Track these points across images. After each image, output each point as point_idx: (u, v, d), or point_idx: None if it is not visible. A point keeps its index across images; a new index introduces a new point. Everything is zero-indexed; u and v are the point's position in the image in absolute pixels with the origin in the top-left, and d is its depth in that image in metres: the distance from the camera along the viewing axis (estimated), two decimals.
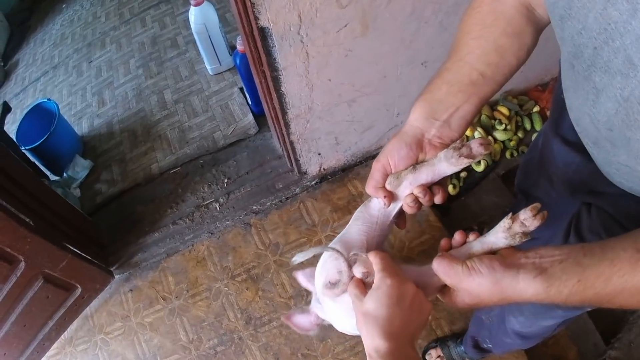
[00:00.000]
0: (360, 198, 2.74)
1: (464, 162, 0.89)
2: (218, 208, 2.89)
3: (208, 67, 3.61)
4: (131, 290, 2.81)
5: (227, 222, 2.84)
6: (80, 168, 3.38)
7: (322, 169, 2.80)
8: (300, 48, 1.94)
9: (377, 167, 0.96)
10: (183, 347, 2.58)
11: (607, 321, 2.40)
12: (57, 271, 2.49)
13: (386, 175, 0.96)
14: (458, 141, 0.92)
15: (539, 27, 0.93)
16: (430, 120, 0.93)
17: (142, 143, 3.45)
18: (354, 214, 1.05)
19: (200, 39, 3.31)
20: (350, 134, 2.61)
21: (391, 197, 0.96)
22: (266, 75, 2.11)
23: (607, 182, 0.96)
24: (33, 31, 5.31)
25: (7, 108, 3.04)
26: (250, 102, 3.29)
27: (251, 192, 2.90)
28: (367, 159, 2.89)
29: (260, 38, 1.85)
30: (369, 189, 0.98)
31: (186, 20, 4.16)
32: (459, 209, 2.74)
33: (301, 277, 1.20)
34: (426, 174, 0.93)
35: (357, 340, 2.38)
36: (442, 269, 0.84)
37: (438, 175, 0.93)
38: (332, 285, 0.96)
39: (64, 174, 3.36)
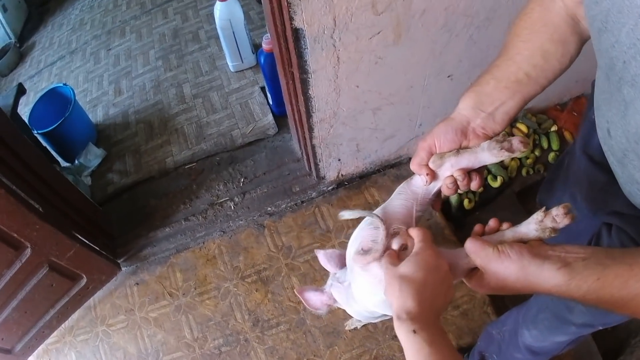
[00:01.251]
0: (376, 206, 2.71)
1: (504, 155, 0.96)
2: (232, 207, 2.89)
3: (230, 64, 3.62)
4: (137, 283, 2.81)
5: (240, 222, 2.84)
6: (92, 156, 3.39)
7: (340, 175, 2.81)
8: (332, 52, 1.95)
9: (423, 146, 1.03)
10: (187, 344, 2.58)
11: (610, 344, 2.41)
12: (63, 260, 2.48)
13: (430, 155, 1.02)
14: (501, 135, 1.00)
15: (582, 38, 0.98)
16: (476, 110, 1.00)
17: (158, 136, 3.45)
18: (397, 189, 1.12)
19: (224, 34, 3.32)
20: (372, 141, 2.62)
21: (433, 175, 1.03)
22: (294, 77, 2.12)
23: (629, 203, 1.00)
24: (51, 14, 5.34)
25: (21, 90, 3.05)
26: (271, 102, 3.30)
27: (267, 193, 2.90)
28: (386, 167, 2.89)
29: (293, 39, 1.86)
30: (414, 165, 1.05)
31: (209, 15, 4.20)
32: (474, 224, 2.73)
33: (322, 256, 1.28)
34: (467, 159, 1.00)
35: (363, 350, 2.38)
36: (474, 249, 0.89)
37: (478, 163, 1.00)
38: (364, 252, 1.00)
39: (76, 161, 3.37)
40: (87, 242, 2.61)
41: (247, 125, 3.28)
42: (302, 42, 1.88)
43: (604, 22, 0.74)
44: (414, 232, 0.95)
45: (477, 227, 0.98)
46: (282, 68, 2.20)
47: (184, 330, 2.62)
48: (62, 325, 2.82)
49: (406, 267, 0.87)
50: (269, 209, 2.84)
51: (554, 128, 2.89)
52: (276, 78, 2.70)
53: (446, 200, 2.71)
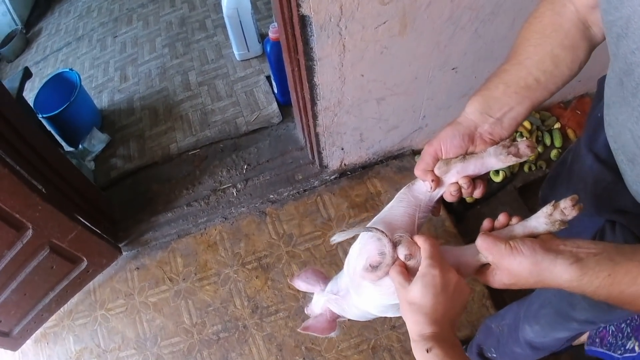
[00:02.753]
0: (378, 197, 2.76)
1: (511, 160, 0.95)
2: (235, 194, 2.91)
3: (236, 53, 3.64)
4: (138, 268, 2.83)
5: (242, 209, 2.86)
6: (96, 141, 3.41)
7: (343, 164, 2.83)
8: (338, 40, 1.97)
9: (429, 151, 1.01)
10: (186, 330, 2.60)
11: None
12: (65, 242, 2.50)
13: (436, 160, 1.01)
14: (507, 140, 0.98)
15: (592, 43, 0.98)
16: (484, 115, 0.99)
17: (162, 122, 3.48)
18: (397, 196, 1.08)
19: (231, 23, 3.34)
20: (376, 131, 2.64)
21: (438, 182, 1.01)
22: (300, 64, 2.13)
23: (634, 202, 1.01)
24: (58, 1, 5.36)
25: (27, 74, 3.05)
26: (276, 91, 3.32)
27: (270, 180, 2.93)
28: (389, 158, 2.91)
29: (300, 26, 1.88)
30: (418, 171, 1.03)
31: (216, 4, 4.21)
32: (474, 217, 2.76)
33: (299, 283, 1.25)
34: (474, 166, 0.98)
35: (361, 339, 2.41)
36: (485, 246, 0.89)
37: (485, 169, 0.99)
38: (374, 268, 0.97)
39: (80, 146, 3.39)
40: (89, 225, 2.62)
41: (252, 114, 3.30)
42: (309, 30, 1.90)
43: (624, 28, 0.75)
44: (421, 245, 0.94)
45: (486, 223, 0.98)
46: (288, 55, 2.22)
47: (183, 315, 2.64)
48: (61, 309, 2.84)
49: (415, 291, 0.87)
50: (271, 196, 2.86)
51: (557, 125, 2.91)
52: (282, 67, 2.71)
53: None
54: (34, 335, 2.82)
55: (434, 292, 0.86)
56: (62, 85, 3.48)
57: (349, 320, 1.14)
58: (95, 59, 4.26)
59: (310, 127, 2.53)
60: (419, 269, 0.90)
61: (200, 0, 4.40)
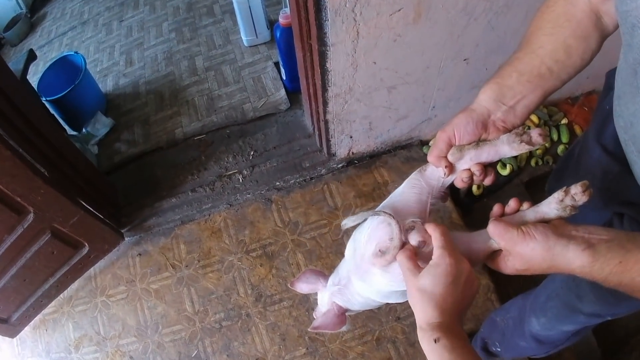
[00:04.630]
0: (385, 187, 2.76)
1: (524, 148, 0.97)
2: (241, 180, 2.91)
3: (244, 38, 3.64)
4: (140, 254, 2.83)
5: (247, 196, 2.86)
6: (100, 125, 3.41)
7: (351, 153, 2.82)
8: (352, 26, 1.96)
9: (442, 138, 1.02)
10: (187, 318, 2.60)
11: (610, 341, 2.43)
12: (66, 227, 2.49)
13: (450, 146, 1.02)
14: (520, 128, 1.00)
15: (604, 34, 0.99)
16: (498, 103, 1.00)
17: (168, 107, 3.47)
18: (408, 181, 1.09)
19: (240, 8, 3.33)
20: (385, 120, 2.64)
21: (451, 168, 1.02)
22: (312, 50, 2.13)
23: None
24: None
25: (32, 56, 3.05)
26: (284, 78, 3.31)
27: (277, 167, 2.92)
28: (397, 148, 2.91)
29: (315, 10, 1.87)
30: (432, 157, 1.04)
31: None
32: (481, 210, 2.77)
33: (300, 285, 1.26)
34: (487, 153, 1.00)
35: (365, 330, 2.41)
36: (497, 232, 0.89)
37: (497, 156, 1.00)
38: (382, 253, 0.98)
39: (83, 130, 3.39)
40: (91, 209, 2.61)
41: (259, 100, 3.30)
42: (323, 14, 1.89)
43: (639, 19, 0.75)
44: (433, 233, 0.94)
45: (497, 208, 0.98)
46: (300, 40, 2.21)
47: (185, 303, 2.64)
48: (61, 295, 2.83)
49: (426, 279, 0.87)
50: (278, 183, 2.86)
51: (564, 121, 2.92)
52: (291, 53, 2.73)
53: (454, 187, 2.72)
54: (33, 321, 2.82)
55: (446, 281, 0.87)
56: (67, 69, 3.47)
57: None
58: (100, 43, 4.27)
59: (319, 114, 2.52)
60: (433, 257, 0.90)
61: None
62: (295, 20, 2.16)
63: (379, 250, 0.99)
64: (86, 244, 2.68)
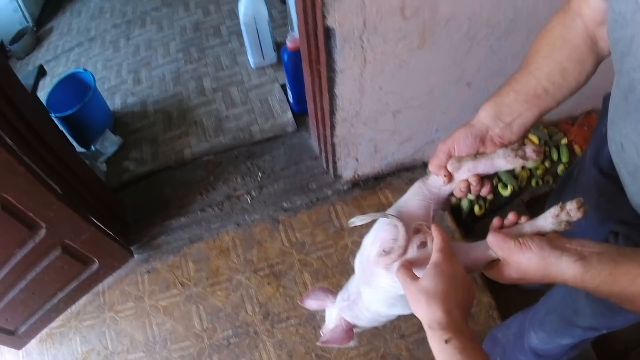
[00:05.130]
0: (389, 207, 2.79)
1: (518, 162, 1.05)
2: (249, 200, 2.97)
3: (251, 60, 3.70)
4: (149, 271, 2.87)
5: (255, 216, 2.92)
6: (109, 143, 3.46)
7: (356, 175, 2.89)
8: (359, 53, 2.04)
9: (442, 149, 1.11)
10: (196, 334, 2.64)
11: (610, 355, 2.48)
12: (77, 243, 2.52)
13: (449, 157, 1.10)
14: (516, 143, 1.08)
15: (599, 57, 1.07)
16: (496, 120, 1.08)
17: (176, 126, 3.52)
18: (411, 189, 1.18)
19: (247, 31, 3.40)
20: (390, 143, 2.71)
21: (450, 177, 1.10)
22: (321, 75, 2.20)
23: (635, 213, 1.09)
24: (70, 0, 5.42)
25: (42, 72, 3.09)
26: (291, 100, 3.37)
27: (284, 189, 2.99)
28: (400, 170, 2.98)
29: (324, 37, 1.95)
30: (432, 166, 1.13)
31: (231, 11, 4.29)
32: (483, 229, 2.81)
33: (309, 302, 1.35)
34: (484, 165, 1.07)
35: (371, 347, 2.45)
36: (496, 243, 0.97)
37: (493, 169, 1.08)
38: (386, 253, 1.06)
39: (92, 147, 3.44)
40: (101, 226, 2.64)
41: (266, 121, 3.36)
42: (332, 41, 1.97)
43: (628, 46, 0.82)
44: (435, 234, 1.02)
45: (496, 221, 1.05)
46: (309, 65, 2.29)
47: (193, 319, 2.68)
48: (68, 310, 2.86)
49: (427, 280, 0.93)
50: (285, 204, 2.92)
51: (564, 141, 2.98)
52: (298, 76, 2.79)
53: (457, 206, 2.79)
54: (40, 334, 2.85)
55: (447, 279, 0.94)
56: (75, 85, 3.53)
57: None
58: (107, 61, 4.32)
59: (327, 137, 2.59)
60: (430, 259, 0.98)
61: (215, 5, 4.47)
62: (304, 46, 2.24)
63: (383, 250, 1.07)
64: (96, 260, 2.72)
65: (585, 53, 1.05)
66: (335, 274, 2.67)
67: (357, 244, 2.48)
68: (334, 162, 2.78)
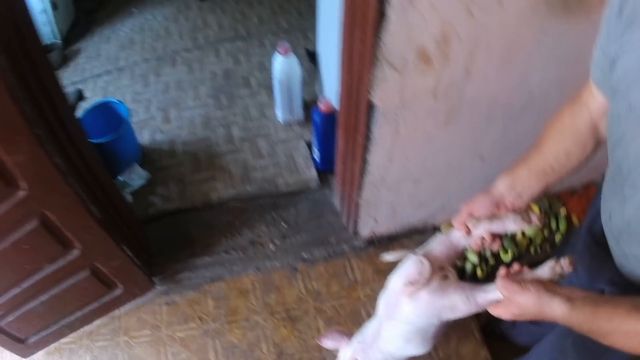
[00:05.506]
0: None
1: (525, 226, 1.35)
2: (272, 248, 3.19)
3: (279, 115, 3.89)
4: (168, 303, 3.02)
5: (276, 263, 3.13)
6: (136, 176, 3.60)
7: (373, 233, 3.16)
8: (394, 126, 2.33)
9: (465, 209, 1.43)
10: None
11: None
12: (106, 267, 2.64)
13: (470, 217, 1.41)
14: (524, 211, 1.39)
15: (600, 142, 1.36)
16: (510, 190, 1.39)
17: (204, 169, 3.66)
18: (437, 239, 1.51)
19: (280, 87, 3.59)
20: (407, 208, 2.99)
21: (469, 232, 1.41)
22: (356, 142, 2.48)
23: (619, 273, 1.35)
24: (99, 25, 5.53)
25: (81, 95, 3.11)
26: (316, 158, 3.56)
27: (305, 240, 3.21)
28: (413, 232, 3.24)
29: (366, 111, 2.24)
30: (456, 222, 1.43)
31: (260, 64, 4.51)
32: None
33: (327, 341, 1.72)
34: (497, 226, 1.37)
35: None
36: (503, 285, 1.21)
37: (504, 230, 1.38)
38: (411, 283, 1.35)
39: (119, 178, 3.56)
40: (131, 254, 2.75)
41: (291, 175, 3.54)
42: (372, 114, 2.26)
43: (619, 140, 1.10)
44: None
45: (503, 270, 1.28)
46: (345, 132, 2.57)
47: (209, 353, 2.81)
48: (82, 329, 2.98)
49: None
50: (304, 255, 3.14)
51: (563, 212, 3.25)
52: (327, 138, 3.06)
53: (462, 269, 3.02)
54: (48, 347, 2.95)
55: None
56: (106, 114, 3.61)
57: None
58: (137, 94, 4.41)
59: (352, 198, 2.84)
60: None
61: (245, 56, 4.66)
62: (344, 115, 2.51)
63: (409, 281, 1.37)
64: (121, 286, 2.84)
65: (588, 139, 1.34)
66: (347, 322, 2.86)
67: (370, 297, 2.77)
68: (355, 221, 3.02)
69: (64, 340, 2.98)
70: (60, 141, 2.14)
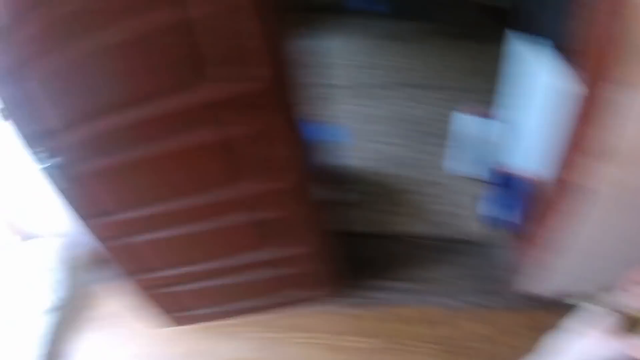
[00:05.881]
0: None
1: None
2: (455, 288, 3.40)
3: (463, 168, 4.09)
4: (346, 314, 3.19)
5: (459, 303, 3.31)
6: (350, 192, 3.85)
7: (541, 294, 3.20)
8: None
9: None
10: None
11: None
12: (314, 269, 2.83)
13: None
14: None
15: None
16: None
17: (394, 204, 3.94)
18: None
19: (461, 141, 3.86)
20: (583, 284, 2.83)
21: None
22: (555, 218, 2.66)
23: None
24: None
25: None
26: (488, 214, 3.70)
27: (482, 288, 3.41)
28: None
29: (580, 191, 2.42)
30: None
31: (440, 113, 4.60)
32: None
33: None
34: None
35: None
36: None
37: None
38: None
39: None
40: (339, 262, 2.93)
41: (463, 225, 3.79)
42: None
43: None
44: None
45: None
46: (546, 206, 2.77)
47: None
48: (250, 317, 3.15)
49: None
50: (482, 301, 3.33)
51: None
52: (513, 201, 3.27)
53: None
54: (197, 325, 3.12)
55: None
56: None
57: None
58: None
59: (532, 259, 3.03)
60: None
61: (429, 104, 4.91)
62: (556, 195, 2.66)
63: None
64: (315, 289, 3.02)
65: None
66: None
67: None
68: (526, 279, 3.17)
69: (223, 321, 3.14)
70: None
